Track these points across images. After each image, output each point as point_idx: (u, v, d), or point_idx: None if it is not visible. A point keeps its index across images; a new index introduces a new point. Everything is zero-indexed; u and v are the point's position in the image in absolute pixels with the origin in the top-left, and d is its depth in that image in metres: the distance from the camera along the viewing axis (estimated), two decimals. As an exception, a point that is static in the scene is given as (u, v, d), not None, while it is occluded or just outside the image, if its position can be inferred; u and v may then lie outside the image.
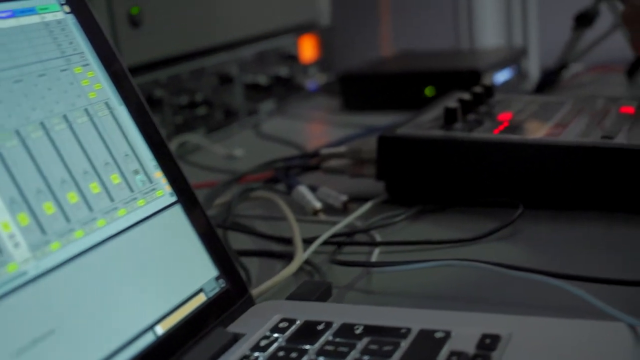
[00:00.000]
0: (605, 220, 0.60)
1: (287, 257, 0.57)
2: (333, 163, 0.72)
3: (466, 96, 0.72)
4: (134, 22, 0.87)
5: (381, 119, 1.00)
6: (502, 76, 1.10)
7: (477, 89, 0.75)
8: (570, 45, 1.00)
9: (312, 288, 0.49)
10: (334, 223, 0.63)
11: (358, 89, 1.10)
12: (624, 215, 0.60)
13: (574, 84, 1.14)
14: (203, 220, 0.47)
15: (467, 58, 1.21)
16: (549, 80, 1.02)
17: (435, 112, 0.73)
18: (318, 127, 1.07)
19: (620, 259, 0.53)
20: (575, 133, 0.64)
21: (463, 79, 1.02)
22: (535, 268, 0.47)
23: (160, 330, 0.41)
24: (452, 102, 0.74)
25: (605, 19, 1.02)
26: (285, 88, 1.17)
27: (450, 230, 0.61)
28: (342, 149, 0.72)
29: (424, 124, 0.70)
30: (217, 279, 0.46)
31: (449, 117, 0.68)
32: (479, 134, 0.66)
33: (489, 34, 1.37)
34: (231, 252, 0.57)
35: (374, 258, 0.56)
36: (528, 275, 0.47)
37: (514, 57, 1.16)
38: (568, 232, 0.59)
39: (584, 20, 0.94)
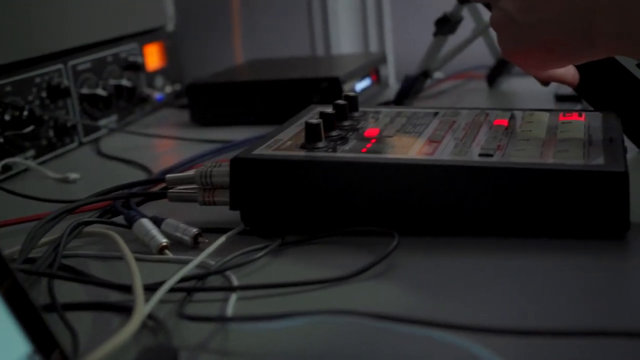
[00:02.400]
0: (491, 247, 0.54)
1: (127, 310, 0.48)
2: (181, 190, 0.63)
3: (328, 110, 0.64)
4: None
5: (236, 134, 0.92)
6: (362, 84, 1.03)
7: (340, 102, 0.67)
8: (431, 52, 0.95)
9: (153, 356, 0.39)
10: (184, 262, 0.54)
11: (206, 101, 1.01)
12: (509, 240, 0.54)
13: (436, 92, 1.10)
14: (9, 280, 0.37)
15: (324, 66, 1.14)
16: (410, 89, 0.97)
17: (295, 129, 0.66)
18: (166, 145, 0.97)
19: (511, 296, 0.47)
20: (450, 150, 0.58)
21: (321, 87, 0.95)
22: (417, 318, 0.40)
23: None
24: (313, 117, 0.66)
25: (468, 24, 0.98)
26: (128, 100, 1.07)
27: (318, 266, 0.54)
28: (190, 173, 0.62)
29: (283, 143, 0.62)
30: (31, 356, 0.36)
31: (311, 135, 0.60)
32: (345, 154, 0.58)
33: (346, 41, 1.31)
34: (51, 317, 0.46)
35: (230, 307, 0.48)
36: (410, 328, 0.40)
37: (373, 65, 1.10)
38: (451, 264, 0.52)
39: (445, 25, 0.90)
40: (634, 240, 0.53)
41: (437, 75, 1.09)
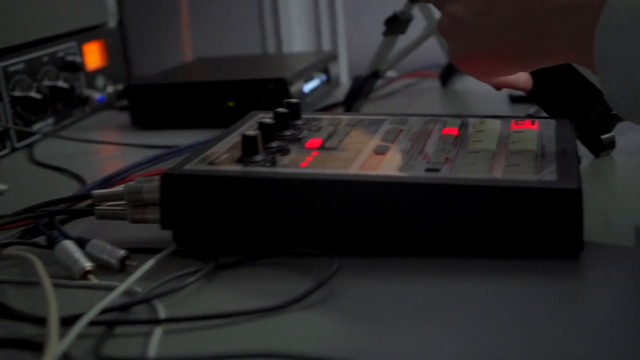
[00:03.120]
0: (438, 269, 0.50)
1: (40, 347, 0.44)
2: (109, 207, 0.59)
3: (268, 119, 0.60)
4: None
5: (180, 138, 0.87)
6: (311, 85, 1.00)
7: (281, 110, 0.63)
8: (382, 52, 0.91)
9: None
10: (109, 289, 0.50)
11: (147, 103, 0.96)
12: (458, 260, 0.51)
13: (388, 92, 1.06)
14: None
15: (273, 65, 1.10)
16: (360, 90, 0.93)
17: (232, 139, 0.62)
18: (105, 151, 0.92)
19: (459, 326, 0.44)
20: (395, 164, 0.54)
21: (267, 89, 0.91)
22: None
23: None
24: (251, 128, 0.63)
25: (420, 22, 0.94)
26: (65, 102, 1.01)
27: (253, 292, 0.50)
28: (119, 188, 0.58)
29: (219, 156, 0.58)
30: None
31: (248, 148, 0.56)
32: (283, 169, 0.54)
33: (298, 38, 1.27)
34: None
35: (154, 344, 0.44)
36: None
37: (323, 64, 1.06)
38: (396, 290, 0.48)
39: (395, 24, 0.86)
40: (588, 261, 0.50)
41: (390, 74, 1.05)
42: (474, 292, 0.47)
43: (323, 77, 1.04)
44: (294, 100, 0.66)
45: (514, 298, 0.46)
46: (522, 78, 0.67)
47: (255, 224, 0.54)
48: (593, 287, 0.48)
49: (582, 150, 0.70)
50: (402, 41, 0.94)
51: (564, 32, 0.51)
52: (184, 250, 0.56)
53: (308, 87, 0.98)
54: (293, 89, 0.92)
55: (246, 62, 1.10)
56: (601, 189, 0.64)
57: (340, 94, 1.03)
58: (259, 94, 0.91)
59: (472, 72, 0.60)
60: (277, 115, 0.63)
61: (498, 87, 0.71)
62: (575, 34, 0.51)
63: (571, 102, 0.68)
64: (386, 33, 0.88)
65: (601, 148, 0.70)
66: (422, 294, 0.48)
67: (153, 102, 0.96)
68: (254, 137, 0.56)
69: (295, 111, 0.66)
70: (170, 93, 0.95)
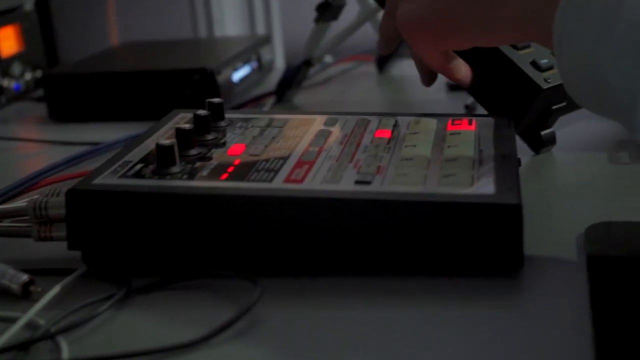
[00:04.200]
0: (371, 290, 0.47)
1: None
2: (12, 223, 0.53)
3: (186, 125, 0.55)
4: None
5: (103, 133, 0.82)
6: (241, 73, 0.95)
7: (202, 112, 0.59)
8: (314, 40, 0.87)
9: None
10: (9, 320, 0.45)
11: (65, 94, 0.90)
12: (393, 280, 0.47)
13: (323, 79, 1.02)
14: None
15: (201, 52, 1.04)
16: (292, 79, 0.89)
17: (148, 146, 0.57)
18: (20, 148, 0.86)
19: (392, 353, 0.40)
20: (322, 175, 0.50)
21: (193, 80, 0.86)
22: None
23: None
24: (170, 131, 0.58)
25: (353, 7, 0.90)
26: (-23, 93, 0.95)
27: (170, 322, 0.45)
28: (22, 204, 0.53)
29: (132, 166, 0.53)
30: None
31: (163, 159, 0.51)
32: (201, 183, 0.50)
33: (230, 21, 1.21)
34: None
35: (54, 391, 0.39)
36: None
37: (255, 49, 1.01)
38: (324, 316, 0.45)
39: (326, 11, 0.81)
40: (529, 279, 0.47)
41: (326, 59, 1.01)
42: (410, 315, 0.44)
43: (254, 63, 0.99)
44: (216, 100, 0.62)
45: (451, 320, 0.43)
46: (462, 69, 0.64)
47: (172, 243, 0.49)
48: (532, 306, 0.45)
49: (522, 146, 0.67)
50: (339, 25, 0.90)
51: (517, 3, 0.49)
52: (95, 273, 0.51)
53: (237, 75, 0.93)
54: (220, 78, 0.87)
55: (173, 48, 1.04)
56: (542, 191, 0.61)
57: (274, 80, 0.99)
58: (184, 85, 0.86)
59: (418, 41, 0.57)
60: (197, 119, 0.58)
61: (429, 80, 0.68)
62: (531, 5, 0.48)
63: (511, 97, 0.65)
64: (318, 20, 0.83)
65: (541, 144, 0.67)
66: (356, 320, 0.44)
67: (70, 93, 0.89)
68: (169, 147, 0.51)
69: (217, 112, 0.61)
70: (88, 83, 0.89)
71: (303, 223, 0.47)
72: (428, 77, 0.67)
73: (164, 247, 0.49)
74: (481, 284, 0.46)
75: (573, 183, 0.63)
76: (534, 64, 0.63)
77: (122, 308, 0.47)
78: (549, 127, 0.67)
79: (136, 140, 0.58)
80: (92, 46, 1.18)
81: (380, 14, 0.68)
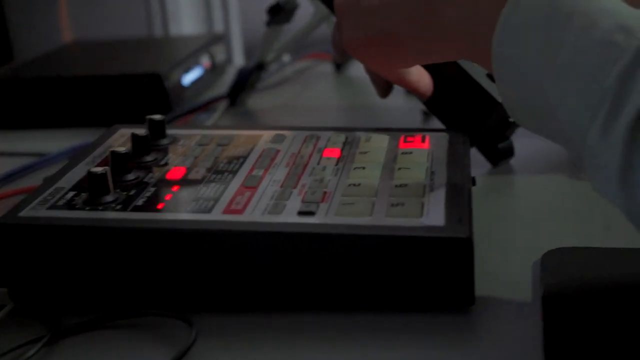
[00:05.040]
0: (315, 327, 0.44)
1: None
2: None
3: (122, 149, 0.52)
4: None
5: (48, 142, 0.79)
6: (192, 75, 0.91)
7: (140, 132, 0.56)
8: (266, 43, 0.84)
9: None
10: None
11: (5, 100, 0.86)
12: (338, 317, 0.45)
13: (279, 80, 0.98)
14: None
15: (151, 54, 0.99)
16: (245, 83, 0.86)
17: (82, 169, 0.53)
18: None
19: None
20: (265, 204, 0.47)
21: (142, 85, 0.82)
22: None
23: None
24: (103, 158, 0.55)
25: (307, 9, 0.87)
26: None
27: (100, 367, 0.43)
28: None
29: (63, 195, 0.49)
30: None
31: (96, 188, 0.48)
32: (135, 215, 0.47)
33: (186, 17, 1.17)
34: None
35: None
36: None
37: (208, 48, 0.98)
38: (265, 355, 0.42)
39: (278, 14, 0.78)
40: (480, 316, 0.44)
41: (284, 58, 0.97)
42: (353, 354, 0.42)
43: (207, 63, 0.96)
44: (157, 117, 0.59)
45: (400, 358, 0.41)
46: (425, 81, 0.61)
47: (104, 280, 0.46)
48: (482, 347, 0.42)
49: (480, 159, 0.65)
50: (294, 25, 0.87)
51: (459, 20, 0.45)
52: (24, 311, 0.48)
53: (189, 78, 0.89)
54: (170, 83, 0.83)
55: (123, 49, 1.00)
56: (497, 213, 0.58)
57: (228, 80, 0.95)
58: (131, 91, 0.82)
59: (365, 59, 0.54)
60: (135, 139, 0.55)
61: (385, 92, 0.65)
62: (471, 24, 0.45)
63: (467, 111, 0.62)
64: (270, 23, 0.80)
65: (499, 157, 0.65)
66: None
67: (11, 99, 0.85)
68: (101, 176, 0.48)
69: (158, 129, 0.58)
70: (30, 89, 0.85)
71: (243, 258, 0.45)
72: (383, 90, 0.65)
73: (96, 284, 0.46)
74: (430, 321, 0.44)
75: (530, 202, 0.60)
76: (491, 76, 0.61)
77: (51, 352, 0.44)
78: (507, 138, 0.65)
79: (70, 163, 0.55)
80: (47, 42, 1.13)
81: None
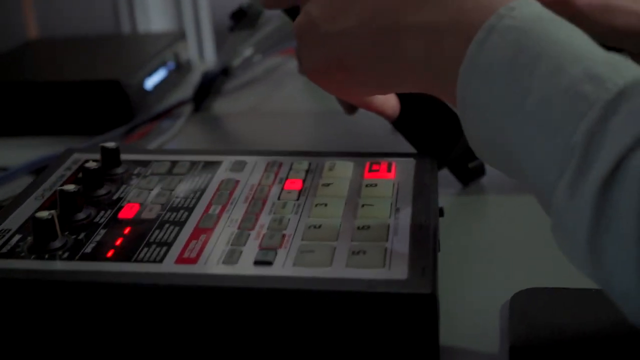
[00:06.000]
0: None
1: None
2: None
3: (71, 187, 0.49)
4: None
5: (7, 153, 0.76)
6: (155, 78, 0.88)
7: (91, 165, 0.53)
8: (230, 49, 0.81)
9: None
10: None
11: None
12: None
13: (249, 80, 0.95)
14: None
15: (114, 55, 0.94)
16: (210, 88, 0.83)
17: (30, 207, 0.51)
18: None
19: None
20: (220, 252, 0.45)
21: (101, 92, 0.79)
22: None
23: None
24: (49, 197, 0.52)
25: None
26: None
27: None
28: None
29: (8, 239, 0.47)
30: None
31: (41, 234, 0.46)
32: (82, 265, 0.44)
33: (154, 12, 1.13)
34: None
35: None
36: None
37: (172, 47, 0.94)
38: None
39: (242, 19, 0.75)
40: (445, 372, 0.43)
41: (256, 58, 0.94)
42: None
43: (171, 64, 0.92)
44: (110, 145, 0.56)
45: None
46: (390, 103, 0.59)
47: (50, 336, 0.44)
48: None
49: (450, 179, 0.63)
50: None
51: (422, 55, 0.43)
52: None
53: (152, 81, 0.86)
54: (131, 90, 0.80)
55: (86, 49, 0.96)
56: (465, 246, 0.56)
57: (194, 79, 0.92)
58: (91, 98, 0.79)
59: (324, 86, 0.51)
60: (86, 174, 0.52)
61: (350, 111, 0.63)
62: (434, 60, 0.42)
63: (437, 130, 0.60)
64: (233, 29, 0.77)
65: (470, 177, 0.63)
66: None
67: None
68: (47, 222, 0.46)
69: (113, 158, 0.56)
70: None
71: (196, 314, 0.42)
72: (348, 107, 0.62)
73: (42, 341, 0.44)
74: (394, 378, 0.42)
75: (500, 230, 0.58)
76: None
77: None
78: (477, 157, 0.63)
79: (18, 197, 0.52)
80: (11, 38, 1.10)
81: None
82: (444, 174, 0.62)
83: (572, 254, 0.36)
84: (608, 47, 0.62)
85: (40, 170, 0.72)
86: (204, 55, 1.24)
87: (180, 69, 0.95)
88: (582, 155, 0.34)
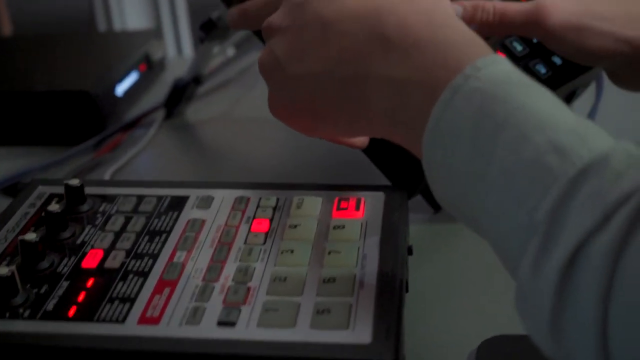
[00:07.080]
0: None
1: None
2: None
3: (33, 236, 0.49)
4: None
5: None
6: (127, 82, 0.86)
7: (54, 208, 0.51)
8: (201, 60, 0.79)
9: None
10: None
11: None
12: None
13: (221, 82, 0.93)
14: None
15: (86, 58, 0.92)
16: (181, 95, 0.81)
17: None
18: None
19: None
20: (184, 309, 0.44)
21: (70, 103, 0.78)
22: None
23: None
24: (12, 239, 0.51)
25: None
26: None
27: None
28: None
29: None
30: None
31: (2, 293, 0.45)
32: (43, 326, 0.43)
33: (130, 8, 1.11)
34: None
35: None
36: None
37: (143, 47, 0.92)
38: None
39: (212, 30, 0.73)
40: None
41: (229, 52, 0.92)
42: None
43: (143, 65, 0.91)
44: (74, 182, 0.55)
45: None
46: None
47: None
48: None
49: (422, 204, 0.63)
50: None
51: (387, 107, 0.42)
52: None
53: (122, 87, 0.85)
54: (101, 99, 0.78)
55: (56, 52, 0.93)
56: (432, 285, 0.55)
57: (167, 80, 0.90)
58: (60, 108, 0.78)
59: (289, 124, 0.50)
60: (49, 217, 0.51)
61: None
62: (398, 114, 0.41)
63: (407, 159, 0.59)
64: (203, 40, 0.75)
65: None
66: None
67: None
68: (7, 279, 0.45)
69: (77, 196, 0.55)
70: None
71: (159, 377, 0.42)
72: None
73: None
74: None
75: (471, 264, 0.58)
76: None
77: None
78: (449, 182, 0.62)
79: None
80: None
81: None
82: (415, 201, 0.62)
83: (534, 329, 0.36)
84: (582, 67, 0.61)
85: (7, 189, 0.71)
86: (182, 51, 1.22)
87: (154, 69, 0.93)
88: (545, 235, 0.34)
